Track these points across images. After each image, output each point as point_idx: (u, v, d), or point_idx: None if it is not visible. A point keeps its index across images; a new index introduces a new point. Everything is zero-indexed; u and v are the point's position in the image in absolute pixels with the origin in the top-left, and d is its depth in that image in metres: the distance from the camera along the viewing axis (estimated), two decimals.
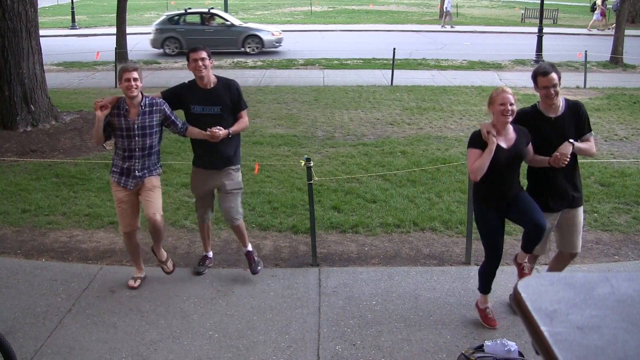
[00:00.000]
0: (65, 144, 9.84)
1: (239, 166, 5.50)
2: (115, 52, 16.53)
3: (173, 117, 5.16)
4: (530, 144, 4.58)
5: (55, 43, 22.51)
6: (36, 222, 6.74)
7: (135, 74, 4.90)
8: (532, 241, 4.60)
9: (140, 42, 22.20)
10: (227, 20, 21.96)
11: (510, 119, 4.43)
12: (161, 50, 21.38)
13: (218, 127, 5.08)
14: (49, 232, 6.52)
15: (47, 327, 4.69)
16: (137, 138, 4.99)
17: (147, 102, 5.01)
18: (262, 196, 7.44)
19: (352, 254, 6.06)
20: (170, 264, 5.43)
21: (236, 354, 4.38)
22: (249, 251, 5.56)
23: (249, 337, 4.59)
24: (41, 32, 11.57)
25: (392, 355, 4.37)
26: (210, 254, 5.80)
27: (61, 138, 10.17)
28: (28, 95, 10.62)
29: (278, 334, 4.62)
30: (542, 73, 4.52)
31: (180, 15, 21.83)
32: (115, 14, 19.58)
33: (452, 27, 30.89)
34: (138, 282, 5.38)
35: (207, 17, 21.74)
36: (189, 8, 22.54)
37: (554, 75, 4.48)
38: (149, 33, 22.08)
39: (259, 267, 5.51)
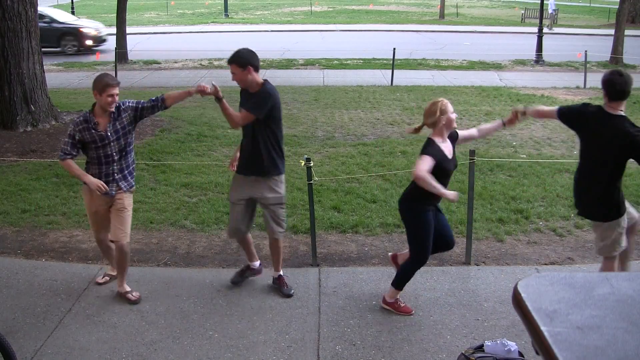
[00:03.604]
0: None
1: (284, 175, 5.12)
2: (115, 52, 16.54)
3: (142, 103, 5.00)
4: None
5: None
6: (36, 222, 6.74)
7: (117, 90, 4.87)
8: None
9: (140, 42, 22.19)
10: None
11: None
12: None
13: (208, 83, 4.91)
14: (49, 232, 6.52)
15: (47, 327, 4.69)
16: (112, 144, 4.92)
17: (114, 109, 4.91)
18: None
19: (352, 254, 6.07)
20: (135, 294, 5.11)
21: (236, 354, 4.38)
22: (280, 276, 5.31)
23: (249, 337, 4.59)
24: None
25: (392, 355, 4.37)
26: (257, 264, 5.42)
27: (61, 138, 10.12)
28: (28, 95, 10.63)
29: (278, 334, 4.62)
30: None
31: None
32: (115, 14, 19.59)
33: (550, 29, 29.73)
34: (106, 278, 5.37)
35: None
36: None
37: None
38: None
39: (292, 291, 5.24)
